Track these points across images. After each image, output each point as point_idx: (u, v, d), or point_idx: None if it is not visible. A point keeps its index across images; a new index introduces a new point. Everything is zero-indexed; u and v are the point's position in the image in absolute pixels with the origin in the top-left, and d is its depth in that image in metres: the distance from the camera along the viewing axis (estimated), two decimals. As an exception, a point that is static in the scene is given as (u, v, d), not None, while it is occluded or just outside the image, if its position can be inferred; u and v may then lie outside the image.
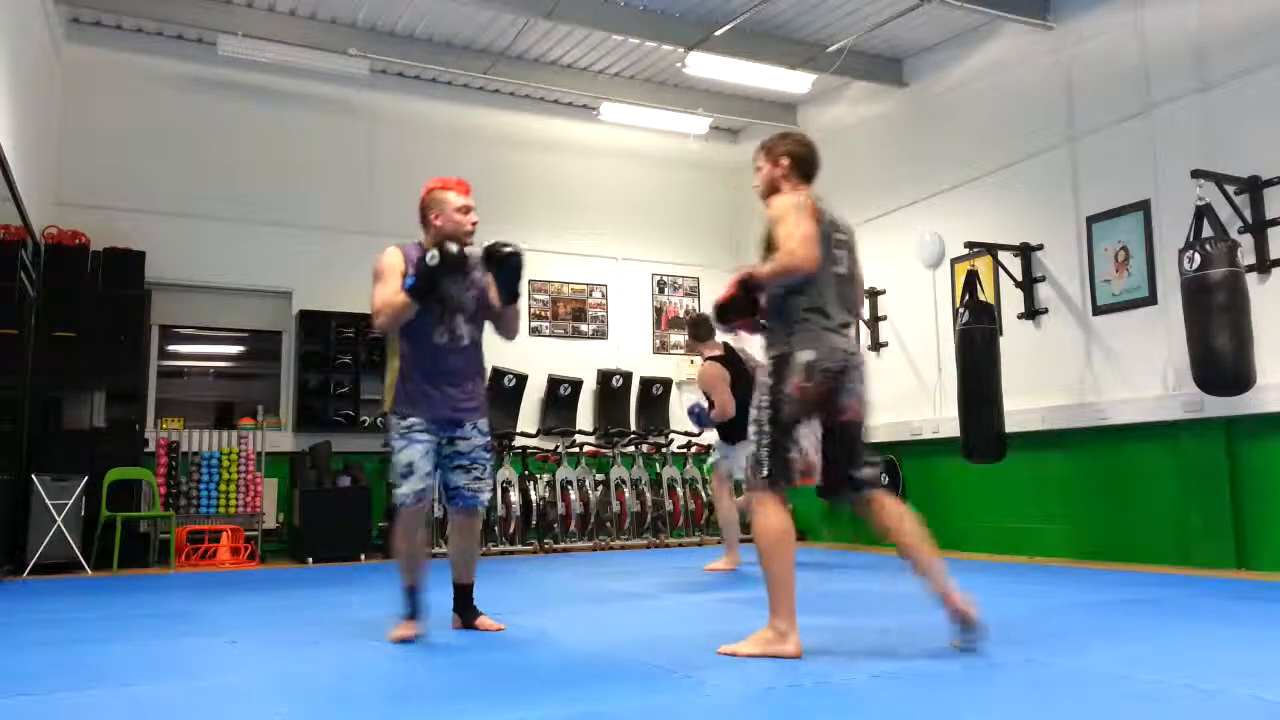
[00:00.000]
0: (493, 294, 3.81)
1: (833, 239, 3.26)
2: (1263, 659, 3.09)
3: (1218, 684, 2.66)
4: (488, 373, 3.59)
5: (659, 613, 4.47)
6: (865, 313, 9.34)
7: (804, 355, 3.15)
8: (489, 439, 3.86)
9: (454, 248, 3.58)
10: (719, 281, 10.57)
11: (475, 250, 3.74)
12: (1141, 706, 2.48)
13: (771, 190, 3.39)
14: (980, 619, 3.15)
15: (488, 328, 3.91)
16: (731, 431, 6.32)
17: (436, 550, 8.01)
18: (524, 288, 3.89)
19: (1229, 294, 5.46)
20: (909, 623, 3.98)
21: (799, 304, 3.21)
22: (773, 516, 3.16)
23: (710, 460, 6.87)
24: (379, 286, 3.69)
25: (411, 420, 3.68)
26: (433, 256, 3.54)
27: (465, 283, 3.76)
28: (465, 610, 3.92)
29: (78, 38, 8.19)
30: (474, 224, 3.83)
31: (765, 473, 3.17)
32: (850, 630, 3.81)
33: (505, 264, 3.66)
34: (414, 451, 3.66)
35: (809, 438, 3.16)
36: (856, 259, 3.42)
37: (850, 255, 3.36)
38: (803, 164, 3.38)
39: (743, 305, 3.35)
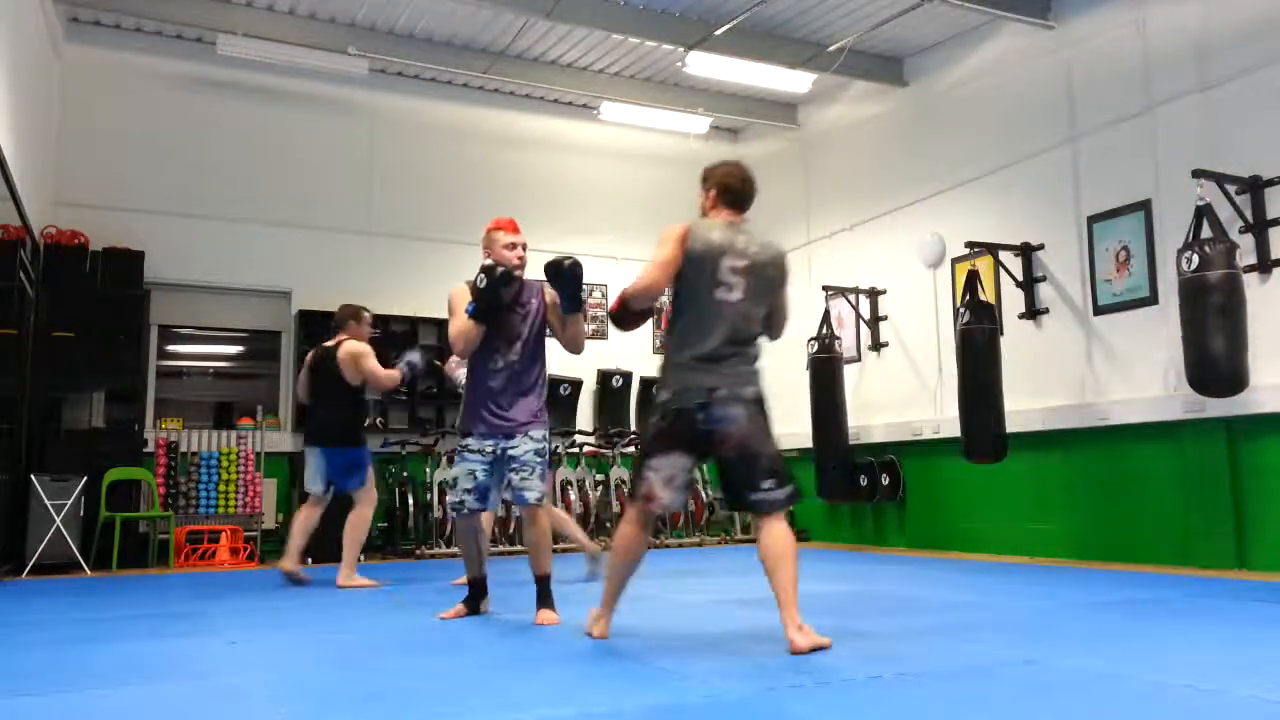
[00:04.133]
0: (551, 315, 4.24)
1: (722, 265, 3.26)
2: (1263, 659, 3.08)
3: (1218, 684, 2.65)
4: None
5: (658, 613, 4.46)
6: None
7: (661, 394, 3.33)
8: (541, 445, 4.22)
9: (497, 269, 4.04)
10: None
11: (530, 279, 4.25)
12: (1141, 706, 2.48)
13: (703, 215, 3.50)
14: (818, 647, 3.15)
15: (554, 346, 4.31)
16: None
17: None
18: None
19: (1226, 296, 5.46)
20: (909, 623, 3.97)
21: (671, 333, 3.38)
22: (624, 526, 3.51)
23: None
24: (452, 320, 4.19)
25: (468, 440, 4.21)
26: (480, 279, 4.04)
27: (521, 312, 4.20)
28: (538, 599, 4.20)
29: (77, 37, 8.19)
30: (520, 258, 4.21)
31: (629, 491, 3.50)
32: (850, 631, 3.80)
33: (565, 274, 3.97)
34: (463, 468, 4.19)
35: (669, 470, 3.32)
36: (766, 284, 3.36)
37: (752, 281, 3.31)
38: (728, 194, 3.44)
39: (625, 318, 3.60)
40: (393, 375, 5.91)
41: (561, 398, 9.33)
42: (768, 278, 3.34)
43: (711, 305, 3.26)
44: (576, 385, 9.40)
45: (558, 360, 4.31)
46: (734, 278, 3.27)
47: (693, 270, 3.29)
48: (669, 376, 3.33)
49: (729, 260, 3.28)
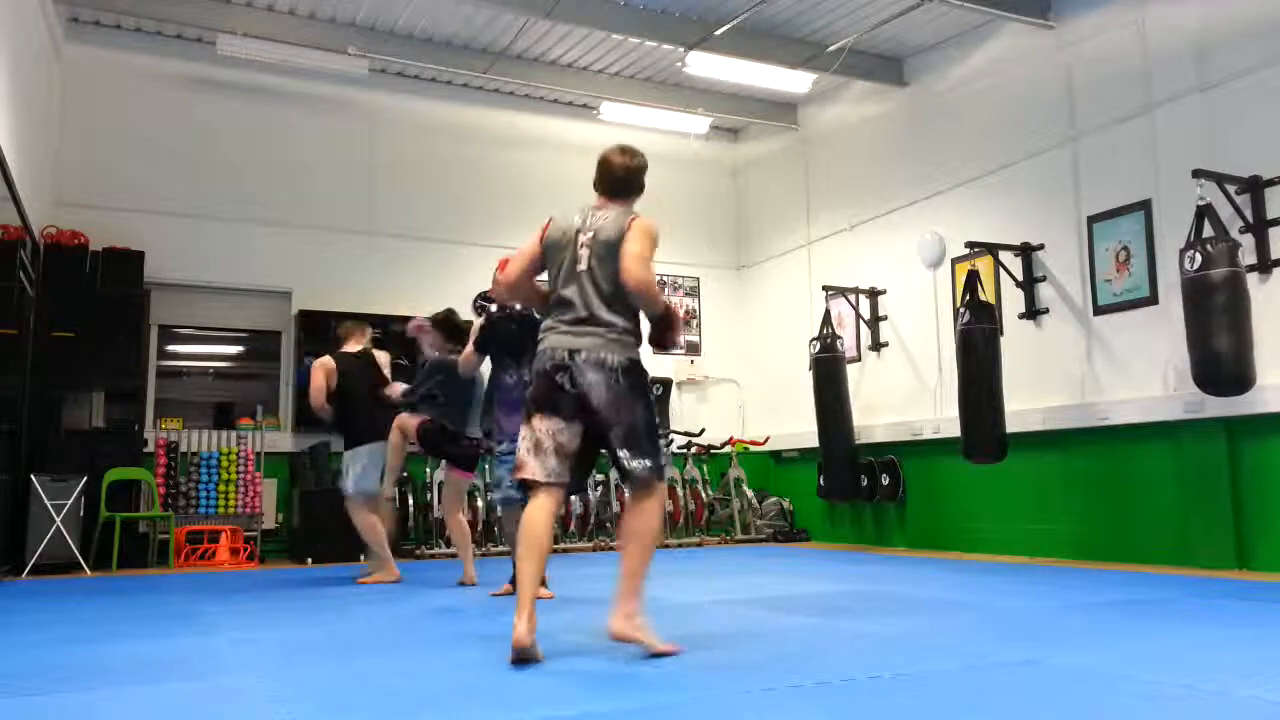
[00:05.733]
0: None
1: (578, 241, 3.48)
2: (1263, 659, 3.08)
3: (1218, 684, 2.65)
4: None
5: (658, 613, 4.46)
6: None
7: (534, 362, 3.46)
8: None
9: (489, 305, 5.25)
10: (719, 281, 10.62)
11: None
12: (1141, 706, 2.48)
13: None
14: (642, 644, 3.24)
15: None
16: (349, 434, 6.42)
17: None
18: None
19: (1229, 294, 5.45)
20: (909, 623, 3.98)
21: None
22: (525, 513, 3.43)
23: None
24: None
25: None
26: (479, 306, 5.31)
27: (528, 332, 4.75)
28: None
29: (77, 37, 8.19)
30: None
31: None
32: (850, 631, 3.81)
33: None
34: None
35: (532, 436, 3.34)
36: (607, 246, 3.41)
37: (597, 248, 3.42)
38: (597, 178, 3.66)
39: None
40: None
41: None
42: (606, 240, 3.45)
43: (573, 277, 3.46)
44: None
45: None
46: (583, 250, 3.48)
47: (555, 252, 3.53)
48: (541, 342, 3.47)
49: (583, 237, 3.50)
